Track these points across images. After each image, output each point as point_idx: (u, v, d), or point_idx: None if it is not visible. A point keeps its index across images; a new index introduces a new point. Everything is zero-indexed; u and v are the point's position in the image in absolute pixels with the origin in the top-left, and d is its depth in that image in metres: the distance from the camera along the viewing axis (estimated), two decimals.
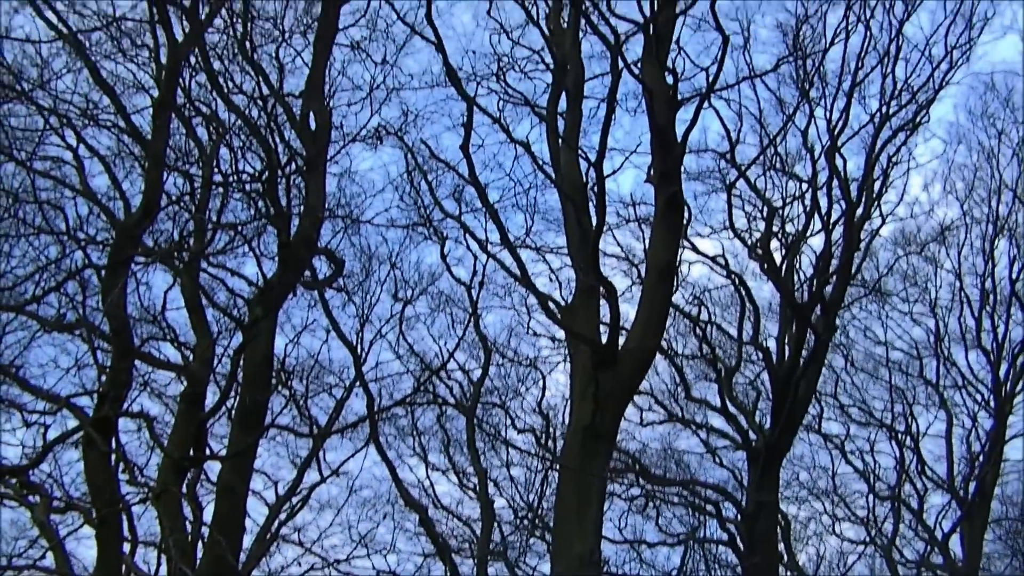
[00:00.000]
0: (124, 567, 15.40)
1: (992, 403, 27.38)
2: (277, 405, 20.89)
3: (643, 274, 19.28)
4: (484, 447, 24.07)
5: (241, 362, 17.15)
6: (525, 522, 24.79)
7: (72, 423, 15.96)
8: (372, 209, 20.90)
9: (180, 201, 17.39)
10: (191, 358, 17.32)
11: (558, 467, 18.54)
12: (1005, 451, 27.42)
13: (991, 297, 27.09)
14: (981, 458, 27.44)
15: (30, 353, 17.15)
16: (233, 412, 18.08)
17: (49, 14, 15.39)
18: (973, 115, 26.13)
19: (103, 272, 15.82)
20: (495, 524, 23.43)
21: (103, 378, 16.43)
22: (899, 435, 28.11)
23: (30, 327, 16.57)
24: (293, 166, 17.76)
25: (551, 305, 18.72)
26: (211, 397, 17.02)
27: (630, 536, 26.44)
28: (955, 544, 27.48)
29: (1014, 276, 26.81)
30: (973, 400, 27.95)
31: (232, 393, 17.47)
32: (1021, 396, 27.43)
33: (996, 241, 26.76)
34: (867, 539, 28.57)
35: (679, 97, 17.99)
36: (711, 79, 18.25)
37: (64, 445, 16.56)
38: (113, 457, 15.78)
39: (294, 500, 21.35)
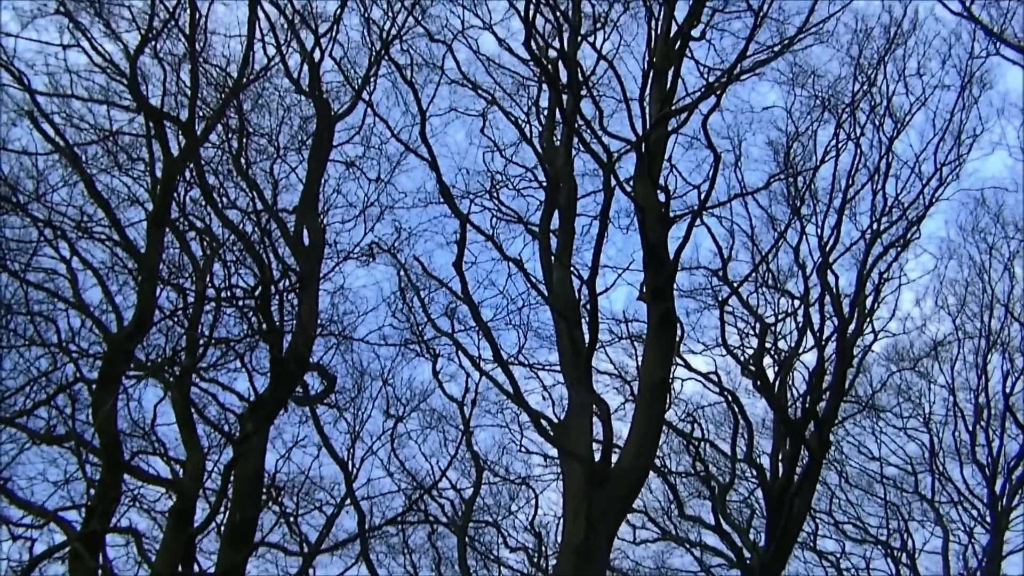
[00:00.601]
0: None
1: (988, 518, 27.15)
2: (267, 522, 20.64)
3: (636, 391, 19.20)
4: (476, 565, 23.83)
5: (231, 478, 17.03)
6: None
7: (59, 537, 15.82)
8: (365, 326, 20.95)
9: (173, 316, 17.37)
10: (181, 473, 17.14)
11: None
12: (1003, 567, 27.16)
13: (985, 411, 27.07)
14: (979, 574, 27.13)
15: (18, 466, 16.98)
16: (223, 528, 17.80)
17: (46, 127, 15.59)
18: (964, 230, 26.37)
19: (94, 386, 15.77)
20: None
21: (91, 492, 16.31)
22: (895, 552, 27.87)
23: (19, 439, 16.39)
24: (286, 282, 17.80)
25: (544, 423, 18.64)
26: (200, 513, 16.92)
27: None
28: None
29: (1008, 390, 26.80)
30: (969, 515, 27.78)
31: (222, 509, 17.36)
32: (1018, 511, 27.25)
33: (989, 355, 26.83)
34: None
35: (671, 214, 18.14)
36: (703, 196, 18.43)
37: (51, 560, 16.39)
38: (100, 573, 15.59)
39: None
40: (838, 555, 27.94)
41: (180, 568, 16.13)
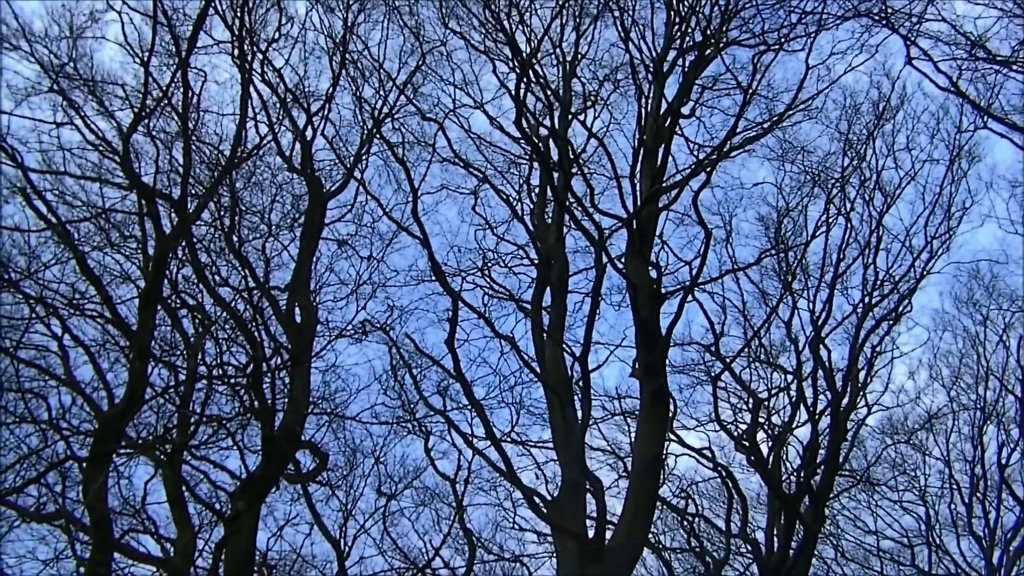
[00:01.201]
0: None
1: None
2: None
3: (629, 467, 19.16)
4: None
5: (222, 556, 16.91)
6: None
7: None
8: (357, 403, 20.93)
9: (164, 394, 17.35)
10: (171, 552, 17.05)
11: None
12: None
13: (981, 483, 26.99)
14: None
15: (8, 543, 16.92)
16: None
17: (39, 204, 15.63)
18: (958, 301, 26.48)
19: (84, 464, 15.71)
20: None
21: (81, 571, 16.23)
22: None
23: (8, 517, 16.35)
24: (278, 360, 17.80)
25: (537, 500, 18.58)
26: None
27: None
28: None
29: (1003, 461, 26.73)
30: None
31: None
32: None
33: (984, 427, 26.80)
34: None
35: (663, 291, 18.22)
36: (694, 273, 18.59)
37: None
38: None
39: None
40: None
41: None
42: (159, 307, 16.37)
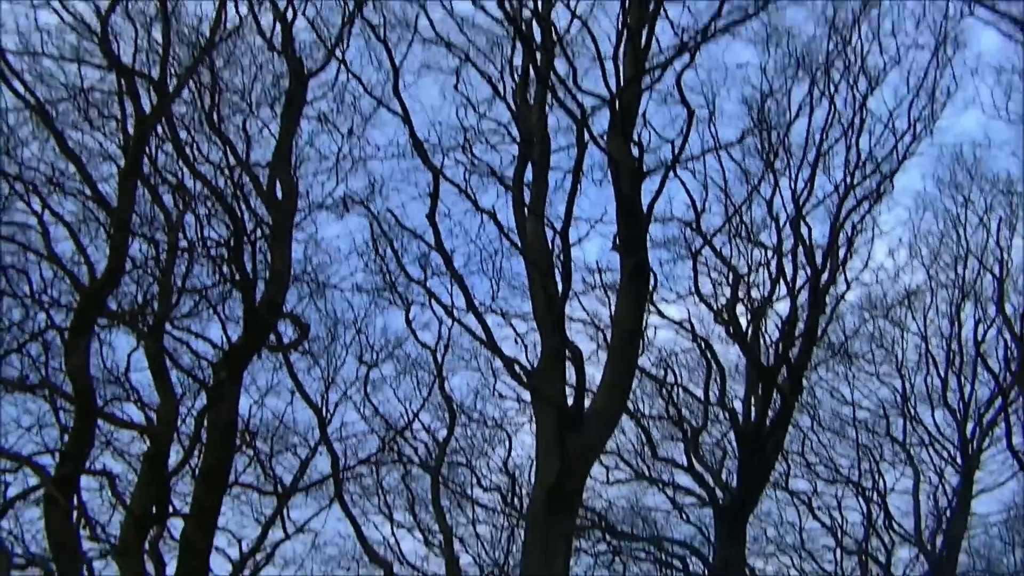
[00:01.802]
0: None
1: (959, 460, 27.55)
2: (241, 465, 21.05)
3: (609, 338, 19.45)
4: (450, 505, 24.22)
5: (205, 423, 17.34)
6: None
7: (34, 481, 16.20)
8: (337, 275, 21.08)
9: (145, 266, 17.57)
10: (155, 419, 17.47)
11: (524, 524, 18.71)
12: (972, 506, 27.62)
13: (957, 358, 27.36)
14: (948, 513, 27.57)
15: None
16: (197, 471, 18.15)
17: (17, 84, 15.65)
18: (940, 183, 26.50)
19: (66, 334, 16.03)
20: None
21: (65, 438, 16.65)
22: (866, 492, 28.25)
23: None
24: (259, 232, 17.98)
25: (517, 368, 18.92)
26: (174, 457, 17.27)
27: None
28: None
29: (979, 338, 27.09)
30: (940, 457, 28.14)
31: (196, 453, 17.70)
32: (987, 453, 27.68)
33: (962, 305, 27.09)
34: None
35: (644, 168, 18.25)
36: (676, 151, 18.55)
37: (25, 503, 16.79)
38: (75, 514, 15.96)
39: (258, 557, 21.42)
40: (810, 495, 28.41)
41: (154, 510, 16.50)
42: (139, 184, 16.53)
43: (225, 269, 17.94)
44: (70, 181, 16.74)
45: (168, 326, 17.75)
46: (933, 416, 27.90)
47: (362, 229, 21.87)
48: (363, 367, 23.07)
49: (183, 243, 17.70)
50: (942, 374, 27.51)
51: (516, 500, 24.40)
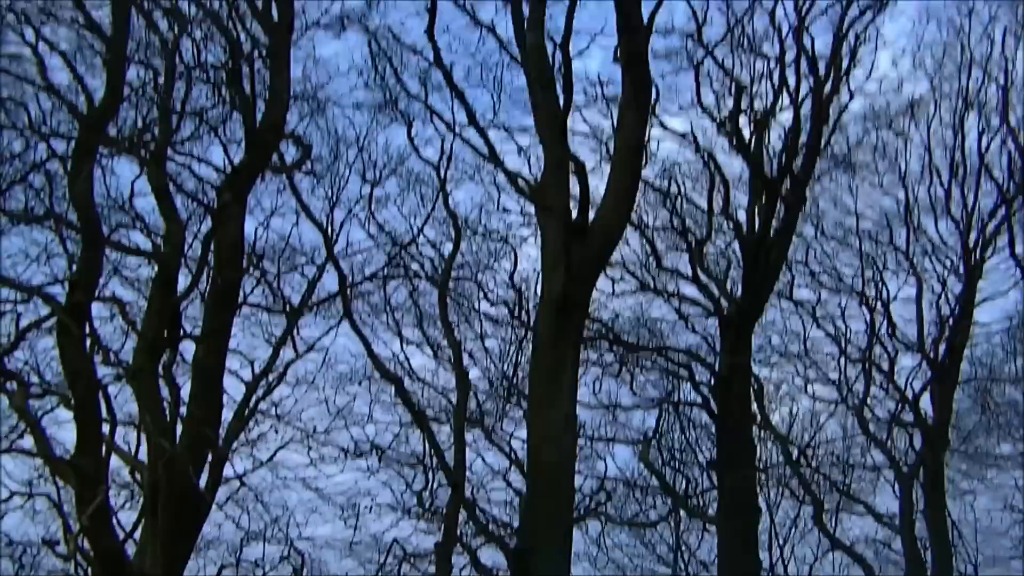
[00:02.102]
0: (105, 447, 15.92)
1: (962, 269, 27.70)
2: (249, 287, 21.24)
3: (612, 151, 19.42)
4: (458, 320, 24.51)
5: (212, 246, 17.45)
6: (500, 390, 25.22)
7: (45, 311, 16.37)
8: (337, 94, 20.96)
9: (143, 89, 17.44)
10: (161, 245, 17.58)
11: (532, 336, 18.93)
12: (975, 314, 27.87)
13: (960, 169, 27.29)
14: (951, 321, 27.80)
15: None
16: (206, 295, 18.34)
17: None
18: None
19: (68, 163, 16.02)
20: (471, 393, 24.01)
21: (73, 267, 16.77)
22: (870, 301, 28.43)
23: None
24: (256, 54, 17.81)
25: (521, 182, 18.94)
26: (183, 282, 17.43)
27: (605, 401, 26.90)
28: (925, 403, 28.03)
29: (983, 149, 26.99)
30: (943, 266, 28.22)
31: (204, 276, 17.86)
32: (990, 262, 27.82)
33: (965, 115, 26.91)
34: (839, 400, 29.04)
35: None
36: None
37: (39, 333, 16.99)
38: (88, 342, 16.18)
39: (270, 377, 21.72)
40: (814, 304, 28.62)
41: (166, 334, 16.73)
42: (133, 9, 16.31)
43: (224, 92, 17.81)
44: (63, 10, 16.49)
45: (170, 151, 17.73)
46: (936, 226, 27.90)
47: (360, 47, 21.65)
48: (367, 185, 23.16)
49: (180, 68, 17.53)
50: (945, 184, 27.45)
51: (523, 314, 24.60)
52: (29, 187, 16.74)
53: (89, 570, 16.49)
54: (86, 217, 15.78)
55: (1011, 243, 27.16)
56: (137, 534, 17.00)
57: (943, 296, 28.20)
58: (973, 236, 27.40)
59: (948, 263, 28.07)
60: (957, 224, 27.54)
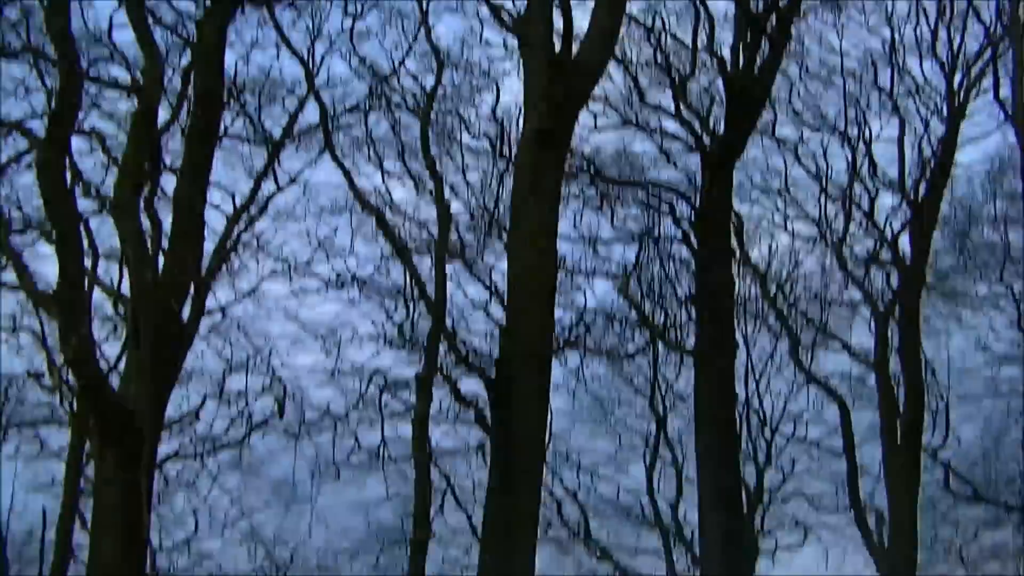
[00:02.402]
0: (87, 281, 16.09)
1: (945, 110, 27.67)
2: (230, 120, 21.19)
3: None
4: (439, 153, 24.51)
5: (192, 79, 17.39)
6: (482, 223, 25.36)
7: (24, 146, 16.40)
8: None
9: None
10: (140, 79, 17.49)
11: (513, 169, 19.03)
12: (956, 156, 27.93)
13: (947, 8, 27.04)
14: (932, 162, 27.86)
15: None
16: (186, 129, 18.31)
17: None
18: None
19: None
20: (452, 225, 24.20)
21: (53, 102, 16.71)
22: (851, 140, 28.43)
23: None
24: None
25: (504, 15, 18.83)
26: (163, 116, 17.41)
27: (586, 234, 27.09)
28: (904, 243, 28.26)
29: None
30: (926, 107, 28.14)
31: (184, 111, 17.83)
32: (974, 104, 27.76)
33: None
34: (818, 236, 29.30)
35: None
36: None
37: (19, 168, 17.05)
38: (68, 176, 16.22)
39: (252, 210, 21.84)
40: (796, 142, 28.63)
41: (147, 167, 16.77)
42: None
43: None
44: None
45: None
46: (921, 67, 27.74)
47: None
48: (348, 18, 22.92)
49: None
50: (932, 24, 27.22)
51: (505, 147, 24.57)
52: (5, 21, 16.55)
53: (74, 401, 16.85)
54: (64, 51, 15.61)
55: (995, 85, 27.11)
56: (121, 366, 17.27)
57: (925, 137, 28.15)
58: (958, 78, 27.28)
59: (931, 104, 27.98)
60: (942, 65, 27.38)
